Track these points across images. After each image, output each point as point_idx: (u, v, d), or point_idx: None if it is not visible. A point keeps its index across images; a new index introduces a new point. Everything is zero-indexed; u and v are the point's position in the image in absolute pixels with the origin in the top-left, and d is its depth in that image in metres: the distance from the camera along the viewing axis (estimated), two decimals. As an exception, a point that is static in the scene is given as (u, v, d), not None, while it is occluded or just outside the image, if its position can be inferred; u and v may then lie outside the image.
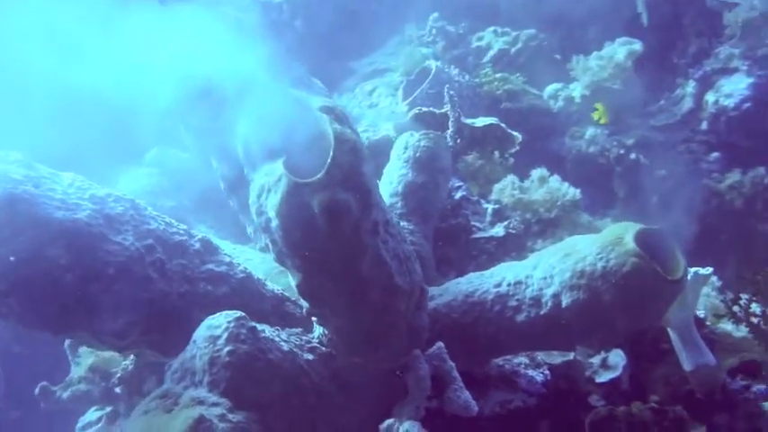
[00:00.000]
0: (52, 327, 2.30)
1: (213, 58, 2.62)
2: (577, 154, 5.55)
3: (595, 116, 5.49)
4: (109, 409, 4.21)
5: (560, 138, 5.72)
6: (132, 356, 3.88)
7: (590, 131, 5.55)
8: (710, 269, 3.06)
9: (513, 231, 3.75)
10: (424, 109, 4.19)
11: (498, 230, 3.75)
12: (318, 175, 2.05)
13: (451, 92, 4.08)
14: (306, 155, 2.19)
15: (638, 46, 5.65)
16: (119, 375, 3.89)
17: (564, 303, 2.69)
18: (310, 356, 2.61)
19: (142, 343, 2.54)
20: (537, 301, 2.79)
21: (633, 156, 5.43)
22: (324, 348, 2.67)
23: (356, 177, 2.12)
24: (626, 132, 5.62)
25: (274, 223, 2.11)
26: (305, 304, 2.41)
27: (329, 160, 2.07)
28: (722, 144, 5.48)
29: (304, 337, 2.70)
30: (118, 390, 3.95)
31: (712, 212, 5.31)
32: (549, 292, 2.75)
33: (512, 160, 4.65)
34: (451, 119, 4.11)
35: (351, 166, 2.11)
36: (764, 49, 5.50)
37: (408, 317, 2.52)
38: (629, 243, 2.59)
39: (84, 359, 4.29)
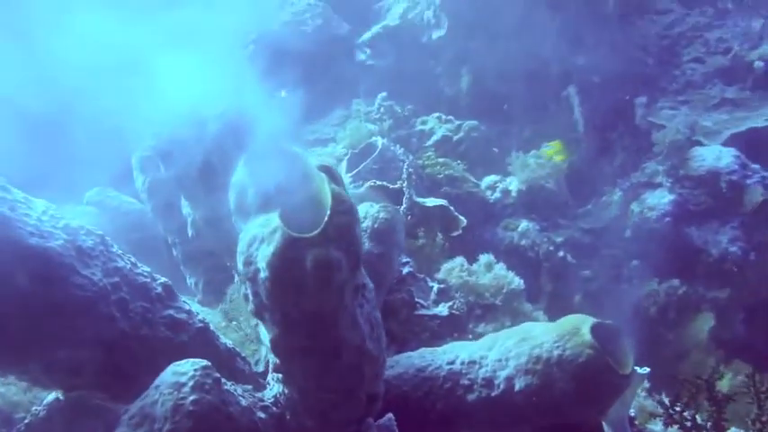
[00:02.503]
0: (8, 356, 2.18)
1: (208, 98, 2.63)
2: (509, 245, 5.73)
3: (549, 152, 5.73)
4: (3, 460, 3.95)
5: (493, 228, 5.90)
6: (47, 401, 3.67)
7: (523, 225, 5.76)
8: (647, 369, 3.20)
9: (457, 312, 3.82)
10: (379, 182, 4.27)
11: (442, 310, 3.81)
12: (315, 232, 2.07)
13: (410, 170, 4.19)
14: (298, 211, 2.21)
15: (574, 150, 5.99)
16: (27, 422, 3.66)
17: (517, 387, 2.75)
18: (262, 415, 2.55)
19: (93, 384, 2.43)
20: (489, 383, 2.83)
21: (561, 254, 5.66)
22: (275, 409, 2.62)
23: (349, 238, 2.15)
24: (556, 230, 5.87)
25: (263, 274, 2.10)
26: (273, 360, 2.37)
27: (326, 218, 2.09)
28: (642, 253, 5.79)
29: (256, 395, 2.65)
30: (20, 437, 3.70)
31: (629, 317, 5.56)
32: (502, 374, 2.80)
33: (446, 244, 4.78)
34: (406, 195, 4.20)
35: (346, 227, 2.14)
36: (686, 170, 5.91)
37: (370, 384, 2.51)
38: (586, 335, 2.69)
39: (-12, 400, 4.03)
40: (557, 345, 2.71)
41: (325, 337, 2.24)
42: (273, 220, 2.11)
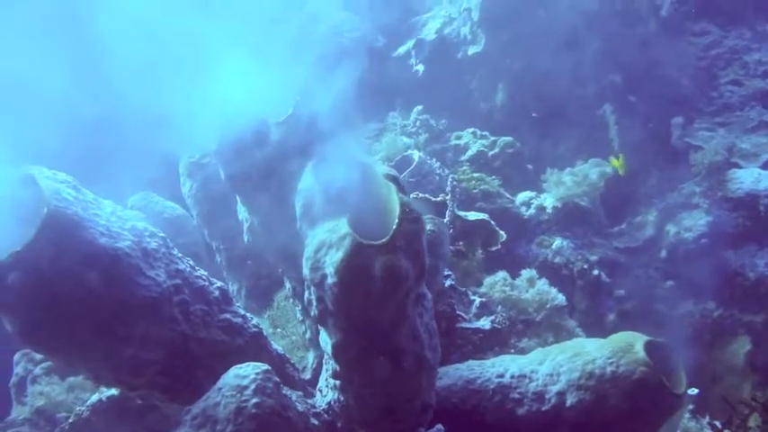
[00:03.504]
0: (78, 352, 2.21)
1: (270, 104, 2.66)
2: (543, 261, 5.71)
3: (615, 163, 5.72)
4: (45, 457, 4.00)
5: (528, 244, 5.88)
6: (90, 402, 3.71)
7: (557, 242, 5.74)
8: (696, 390, 3.17)
9: (499, 327, 3.82)
10: (422, 195, 4.29)
11: (485, 323, 3.81)
12: (384, 239, 2.08)
13: (454, 183, 4.20)
14: (365, 218, 2.22)
15: (609, 168, 5.97)
16: (70, 421, 3.70)
17: (569, 402, 2.74)
18: (315, 422, 2.56)
19: (155, 384, 2.45)
20: (540, 397, 2.83)
21: (596, 272, 5.63)
22: (326, 416, 2.63)
23: (417, 247, 2.17)
24: (590, 248, 5.84)
25: (330, 280, 2.12)
26: (333, 366, 2.38)
27: (395, 226, 2.11)
28: (678, 274, 5.75)
29: (309, 401, 2.66)
30: (61, 436, 3.74)
31: (663, 338, 5.51)
32: (554, 389, 2.80)
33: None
34: (449, 209, 4.21)
35: (413, 235, 2.15)
36: (724, 192, 5.88)
37: (425, 393, 2.52)
38: (640, 352, 2.69)
39: (32, 400, 4.08)
40: (610, 361, 2.71)
41: (387, 345, 2.25)
42: (342, 226, 2.12)
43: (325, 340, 2.33)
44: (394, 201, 2.19)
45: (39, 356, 4.39)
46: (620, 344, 2.77)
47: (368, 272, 2.07)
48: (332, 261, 2.11)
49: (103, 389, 3.73)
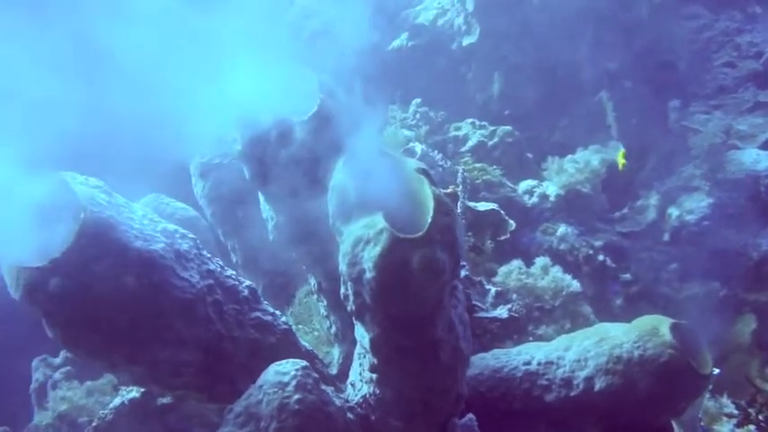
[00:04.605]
0: (117, 355, 2.22)
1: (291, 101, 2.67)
2: (548, 249, 5.75)
3: (620, 158, 5.78)
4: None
5: (532, 232, 5.92)
6: (114, 405, 3.73)
7: (561, 229, 5.78)
8: (717, 370, 3.22)
9: (516, 315, 3.85)
10: (432, 187, 4.30)
11: (502, 312, 3.83)
12: (421, 233, 2.11)
13: (465, 174, 4.22)
14: (397, 212, 2.24)
15: (610, 155, 6.02)
16: (94, 425, 3.72)
17: (597, 387, 2.78)
18: (351, 416, 2.59)
19: (192, 384, 2.46)
20: (568, 383, 2.86)
21: (601, 257, 5.68)
22: (360, 410, 2.65)
23: (452, 239, 2.19)
24: (594, 234, 5.89)
25: (369, 275, 2.13)
26: (371, 360, 2.40)
27: (430, 219, 2.13)
28: (682, 256, 5.81)
29: (342, 396, 2.69)
30: (85, 439, 3.76)
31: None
32: (582, 374, 2.83)
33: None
34: (460, 199, 4.24)
35: (448, 228, 2.17)
36: (723, 173, 5.94)
37: (459, 384, 2.55)
38: (666, 335, 2.72)
39: (55, 405, 4.09)
40: (637, 345, 2.74)
41: (425, 337, 2.27)
42: (378, 221, 2.14)
43: (362, 335, 2.35)
44: (426, 194, 2.21)
45: (57, 362, 4.41)
46: (645, 327, 2.80)
47: (406, 266, 2.09)
48: (370, 256, 2.13)
49: (124, 392, 3.75)
